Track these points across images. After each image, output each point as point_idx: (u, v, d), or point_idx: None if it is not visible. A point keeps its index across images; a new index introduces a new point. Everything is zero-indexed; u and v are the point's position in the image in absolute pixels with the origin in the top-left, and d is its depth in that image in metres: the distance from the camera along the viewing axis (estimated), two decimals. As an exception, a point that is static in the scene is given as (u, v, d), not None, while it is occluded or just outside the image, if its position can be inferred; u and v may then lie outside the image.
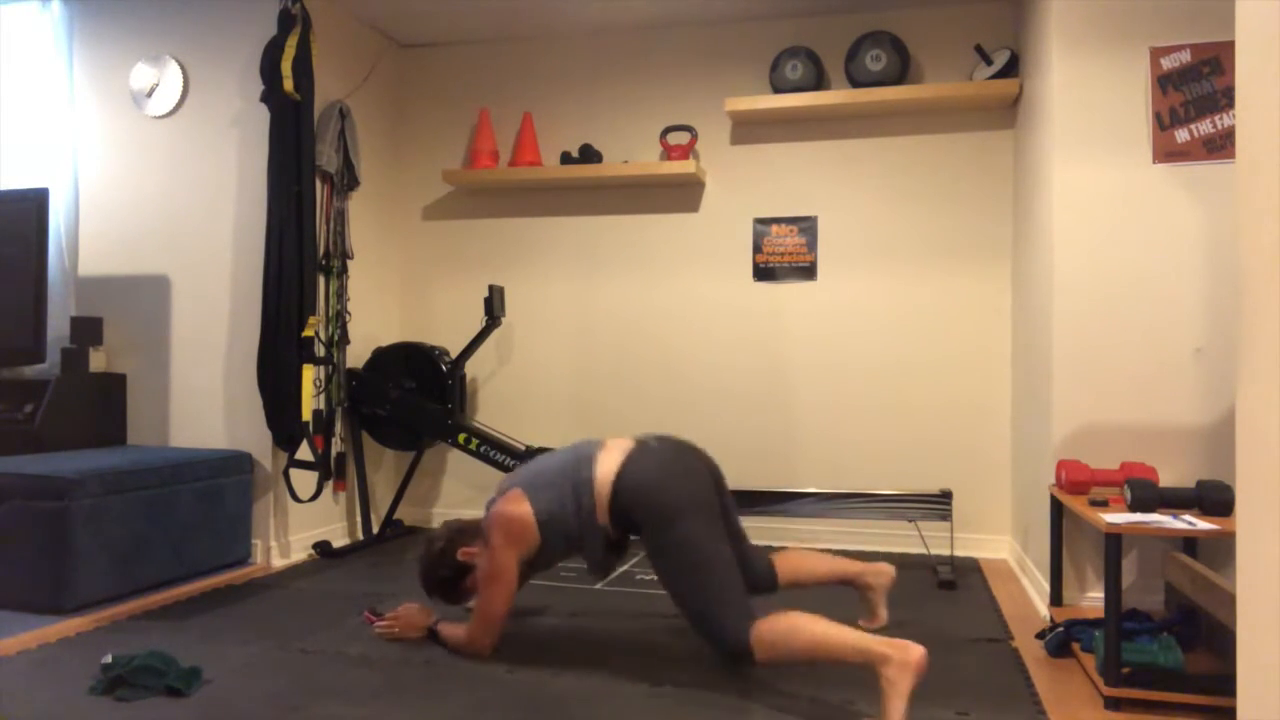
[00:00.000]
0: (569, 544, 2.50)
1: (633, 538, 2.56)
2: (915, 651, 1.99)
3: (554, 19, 4.18)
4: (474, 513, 4.36)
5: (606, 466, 2.44)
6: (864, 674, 2.36)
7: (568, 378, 4.35)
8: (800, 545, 3.98)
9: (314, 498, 3.64)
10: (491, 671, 2.39)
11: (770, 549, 2.81)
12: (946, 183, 3.95)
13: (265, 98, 3.50)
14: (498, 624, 2.50)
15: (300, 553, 3.77)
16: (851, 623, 2.70)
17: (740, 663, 2.23)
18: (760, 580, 2.64)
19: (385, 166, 4.46)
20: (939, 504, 3.55)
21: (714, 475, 2.56)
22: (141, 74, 3.79)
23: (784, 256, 4.11)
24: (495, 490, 2.61)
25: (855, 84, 3.89)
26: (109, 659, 2.29)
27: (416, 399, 4.00)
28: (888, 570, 2.75)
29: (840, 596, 3.06)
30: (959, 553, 3.88)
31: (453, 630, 2.58)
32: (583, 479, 2.45)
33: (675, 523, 2.32)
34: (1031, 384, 3.36)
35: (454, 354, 4.23)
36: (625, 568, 3.59)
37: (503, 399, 4.43)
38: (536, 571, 2.66)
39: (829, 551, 3.86)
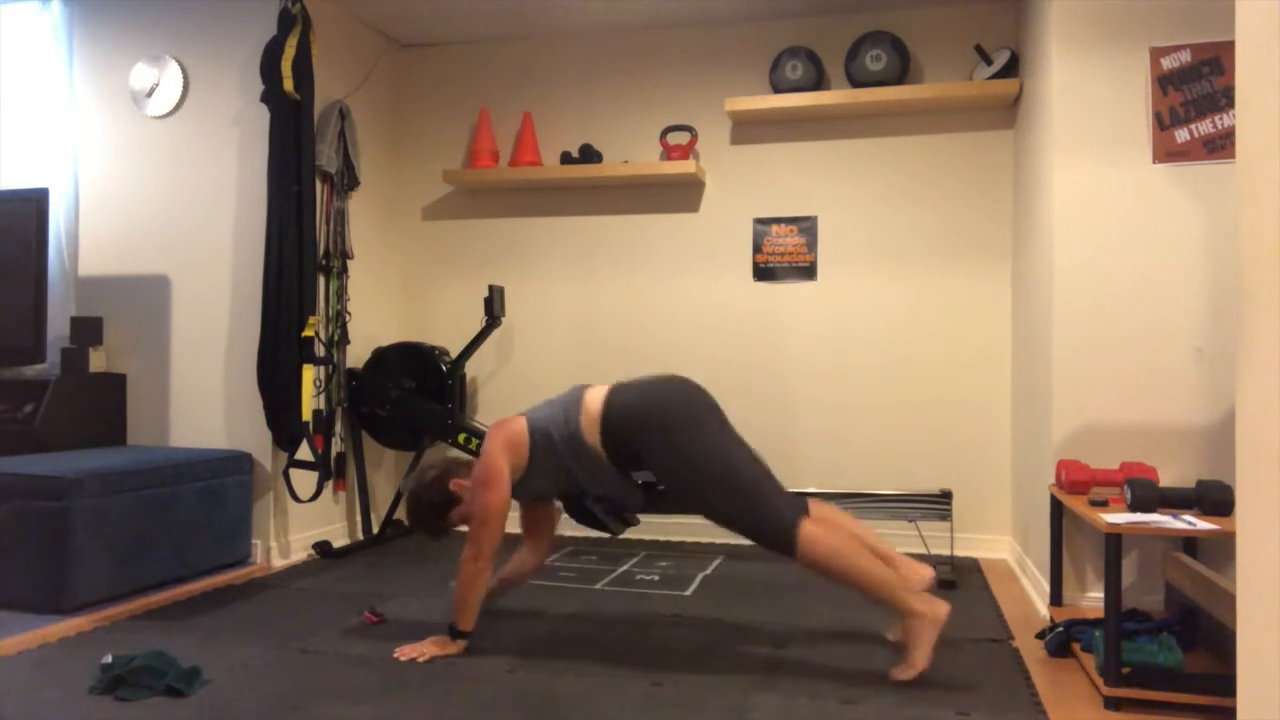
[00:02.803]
0: (561, 468, 2.52)
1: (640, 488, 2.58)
2: (943, 609, 2.26)
3: (554, 19, 4.18)
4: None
5: (594, 395, 2.54)
6: (865, 670, 2.36)
7: (568, 378, 4.35)
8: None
9: (314, 498, 3.64)
10: (491, 671, 2.39)
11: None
12: (946, 183, 3.95)
13: (265, 98, 3.50)
14: (490, 534, 2.45)
15: (300, 553, 3.77)
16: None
17: (782, 553, 2.29)
18: None
19: (385, 166, 4.46)
20: (939, 504, 3.55)
21: (707, 393, 2.55)
22: (141, 74, 3.79)
23: (784, 256, 4.11)
24: None
25: (855, 84, 3.89)
26: (109, 659, 2.29)
27: (416, 399, 4.00)
28: (925, 572, 2.55)
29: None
30: (959, 553, 3.88)
31: (454, 597, 2.53)
32: (571, 406, 2.54)
33: (676, 426, 2.37)
34: (1031, 384, 3.36)
35: (454, 354, 4.23)
36: (625, 567, 3.59)
37: (503, 399, 4.42)
38: (531, 496, 2.65)
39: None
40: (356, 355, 4.12)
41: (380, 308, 4.40)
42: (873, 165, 4.03)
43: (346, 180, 3.99)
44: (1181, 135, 2.85)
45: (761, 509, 2.30)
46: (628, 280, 4.29)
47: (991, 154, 3.90)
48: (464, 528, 2.59)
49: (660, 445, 2.39)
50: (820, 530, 2.27)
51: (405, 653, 2.49)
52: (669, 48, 4.26)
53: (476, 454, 3.88)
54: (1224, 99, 2.82)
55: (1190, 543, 2.73)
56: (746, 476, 2.35)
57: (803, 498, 2.48)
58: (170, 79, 3.75)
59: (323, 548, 3.79)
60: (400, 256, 4.57)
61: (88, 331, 3.68)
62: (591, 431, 2.48)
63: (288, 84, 3.43)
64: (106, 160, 3.84)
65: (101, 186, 3.84)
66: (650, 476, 2.58)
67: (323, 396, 3.84)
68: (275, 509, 3.64)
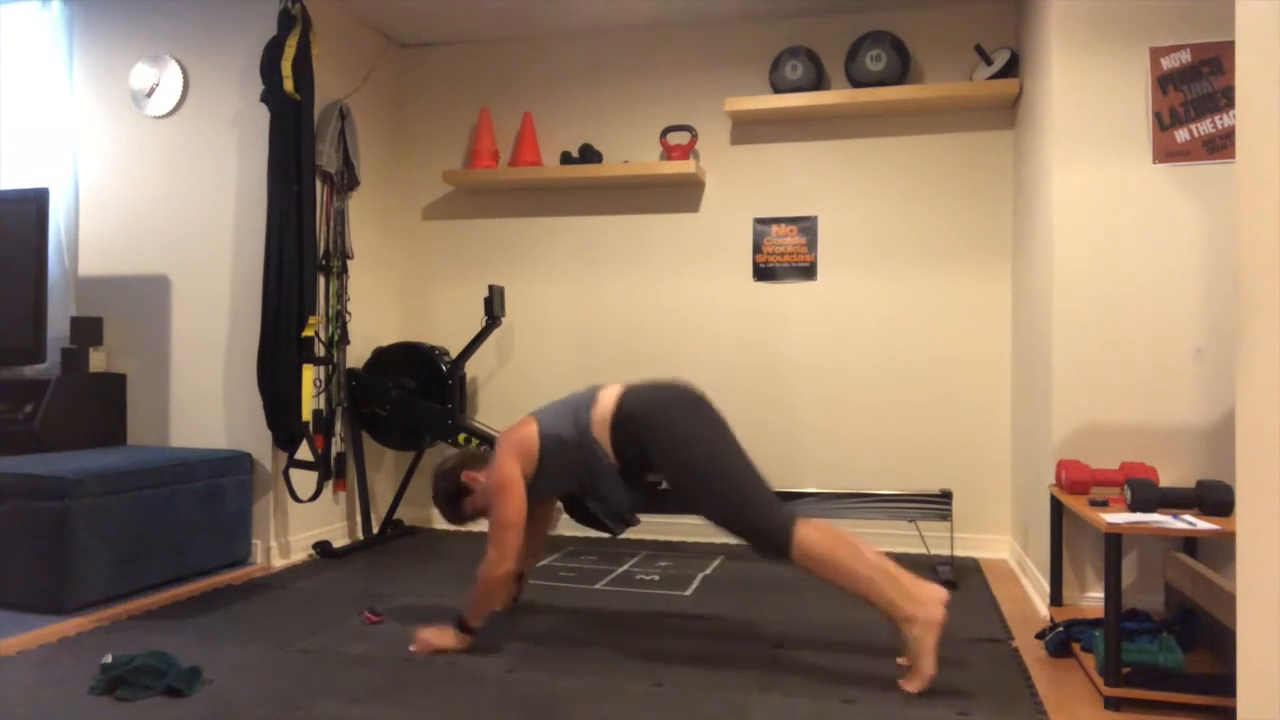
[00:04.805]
0: (570, 468, 2.58)
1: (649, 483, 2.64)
2: (937, 611, 2.17)
3: (554, 19, 4.18)
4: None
5: (607, 395, 2.59)
6: (865, 670, 2.36)
7: (568, 378, 4.35)
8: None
9: (314, 498, 3.64)
10: (491, 671, 2.39)
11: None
12: (946, 183, 3.95)
13: (265, 98, 3.50)
14: (513, 536, 2.51)
15: (300, 553, 3.77)
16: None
17: (778, 558, 2.28)
18: None
19: (385, 166, 4.46)
20: (939, 504, 3.55)
21: (715, 408, 2.58)
22: (141, 74, 3.79)
23: (784, 256, 4.11)
24: None
25: (855, 84, 3.89)
26: (109, 659, 2.29)
27: (416, 399, 4.00)
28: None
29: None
30: (959, 553, 3.88)
31: (469, 593, 2.56)
32: (583, 406, 2.60)
33: (681, 427, 2.42)
34: (1031, 384, 3.36)
35: (454, 354, 4.23)
36: (625, 567, 3.59)
37: (503, 399, 4.42)
38: (540, 495, 2.68)
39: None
40: (356, 355, 4.12)
41: (380, 308, 4.40)
42: (873, 165, 4.03)
43: (346, 180, 3.99)
44: (1181, 135, 2.85)
45: (760, 509, 2.33)
46: (628, 280, 4.29)
47: (991, 154, 3.90)
48: (483, 526, 2.66)
49: (668, 444, 2.43)
50: (815, 532, 2.27)
51: (419, 646, 2.56)
52: (669, 48, 4.26)
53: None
54: (1224, 99, 2.82)
55: (1190, 543, 2.73)
56: (747, 479, 2.39)
57: (799, 510, 2.55)
58: (170, 79, 3.75)
59: (323, 548, 3.79)
60: (400, 256, 4.57)
61: (88, 331, 3.68)
62: (602, 430, 2.54)
63: (288, 84, 3.43)
64: (106, 160, 3.84)
65: (101, 186, 3.84)
66: (656, 478, 2.63)
67: (323, 396, 3.84)
68: (275, 509, 3.64)
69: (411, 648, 2.57)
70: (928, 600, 2.20)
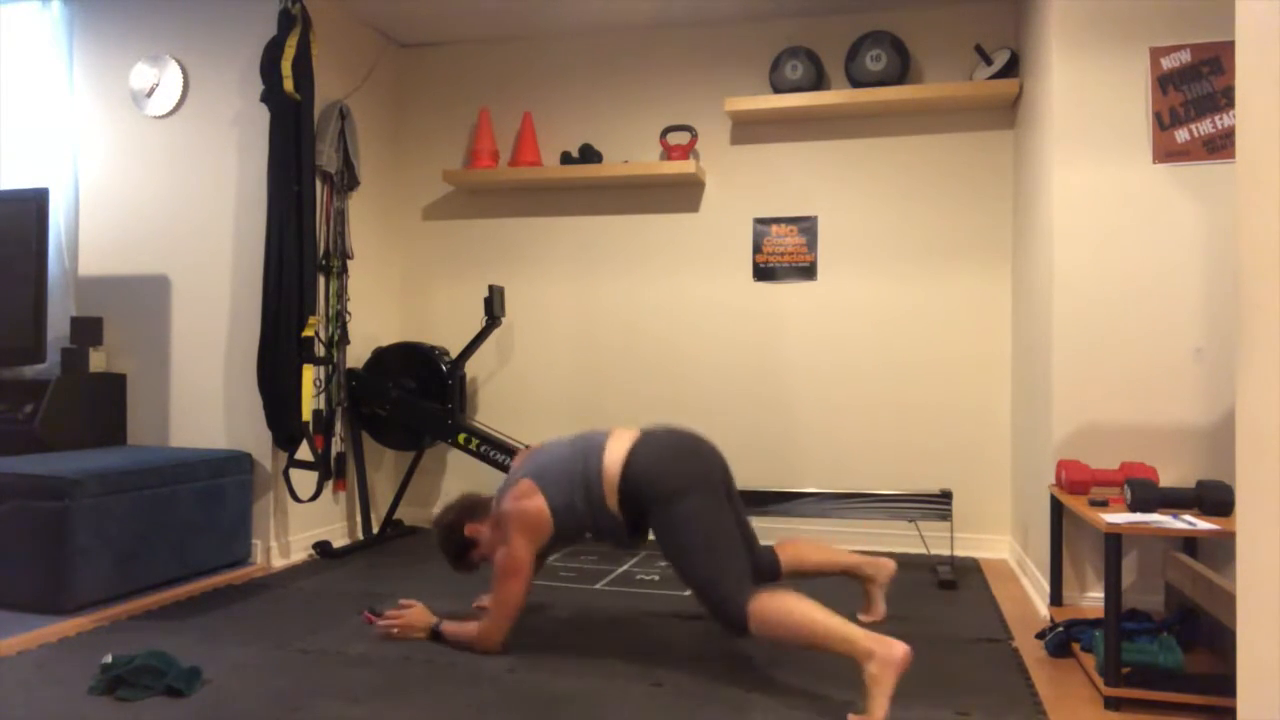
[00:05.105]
0: (583, 529, 2.59)
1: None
2: (899, 649, 2.04)
3: (554, 19, 4.18)
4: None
5: (614, 456, 2.50)
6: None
7: (568, 378, 4.35)
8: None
9: (314, 498, 3.64)
10: (491, 671, 2.39)
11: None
12: (946, 183, 3.95)
13: (265, 98, 3.50)
14: (512, 616, 2.54)
15: (300, 553, 3.77)
16: (851, 615, 2.74)
17: (737, 633, 2.27)
18: (764, 569, 2.69)
19: (385, 166, 4.46)
20: (939, 504, 3.55)
21: (720, 461, 2.59)
22: (141, 74, 3.79)
23: (784, 256, 4.11)
24: (506, 479, 2.67)
25: (855, 84, 3.89)
26: (109, 659, 2.29)
27: (416, 399, 4.00)
28: (888, 565, 2.83)
29: (841, 587, 3.06)
30: (959, 553, 3.88)
31: (459, 628, 2.60)
32: (591, 469, 2.51)
33: (680, 500, 2.39)
34: (1031, 384, 3.36)
35: (454, 354, 4.23)
36: (625, 567, 3.59)
37: (503, 399, 4.42)
38: (556, 550, 2.78)
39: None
40: (356, 355, 4.12)
41: (380, 308, 4.40)
42: (873, 165, 4.03)
43: (346, 180, 3.99)
44: (1181, 135, 2.85)
45: (721, 586, 2.30)
46: (628, 280, 4.29)
47: (991, 154, 3.90)
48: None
49: (662, 518, 2.41)
50: (765, 602, 2.22)
51: (384, 625, 2.67)
52: (669, 48, 4.26)
53: (476, 454, 3.88)
54: (1224, 99, 2.82)
55: (1190, 543, 2.73)
56: (723, 559, 2.34)
57: (767, 558, 2.71)
58: (170, 79, 3.75)
59: (323, 548, 3.79)
60: (400, 256, 4.57)
61: (88, 331, 3.68)
62: (611, 495, 2.50)
63: (288, 84, 3.43)
64: (106, 160, 3.84)
65: (101, 186, 3.84)
66: None
67: (323, 396, 3.84)
68: (275, 509, 3.64)
69: (395, 622, 2.65)
70: (890, 642, 2.09)
